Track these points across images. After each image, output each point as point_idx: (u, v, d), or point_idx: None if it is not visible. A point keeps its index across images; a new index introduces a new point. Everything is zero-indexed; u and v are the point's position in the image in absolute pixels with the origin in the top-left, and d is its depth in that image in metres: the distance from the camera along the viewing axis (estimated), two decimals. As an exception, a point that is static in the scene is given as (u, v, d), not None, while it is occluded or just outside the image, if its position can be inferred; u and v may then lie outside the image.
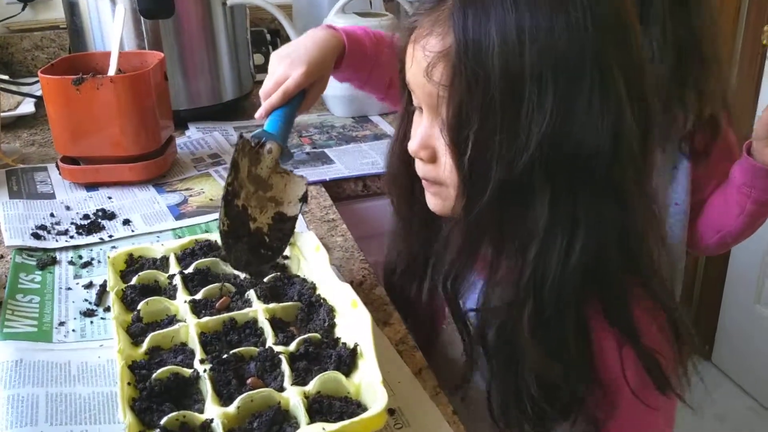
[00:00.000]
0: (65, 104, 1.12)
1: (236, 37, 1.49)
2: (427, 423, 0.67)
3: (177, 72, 1.40)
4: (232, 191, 0.83)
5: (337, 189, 1.21)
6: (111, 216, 1.08)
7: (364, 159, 1.29)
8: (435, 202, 0.75)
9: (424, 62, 0.66)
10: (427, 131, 0.70)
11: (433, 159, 0.71)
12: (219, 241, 0.83)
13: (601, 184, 0.64)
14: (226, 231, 0.81)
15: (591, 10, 0.62)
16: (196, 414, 0.61)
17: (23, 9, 1.79)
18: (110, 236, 1.02)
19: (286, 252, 0.86)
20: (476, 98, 0.62)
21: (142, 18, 1.34)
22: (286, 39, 1.49)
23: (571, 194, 0.64)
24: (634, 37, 0.66)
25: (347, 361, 0.66)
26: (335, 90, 1.45)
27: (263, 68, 1.75)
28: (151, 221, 1.07)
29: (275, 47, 1.80)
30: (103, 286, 0.88)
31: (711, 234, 1.13)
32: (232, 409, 0.61)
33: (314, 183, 1.18)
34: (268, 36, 1.81)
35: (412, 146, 0.72)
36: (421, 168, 0.74)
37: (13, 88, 1.58)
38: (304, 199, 0.88)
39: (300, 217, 1.06)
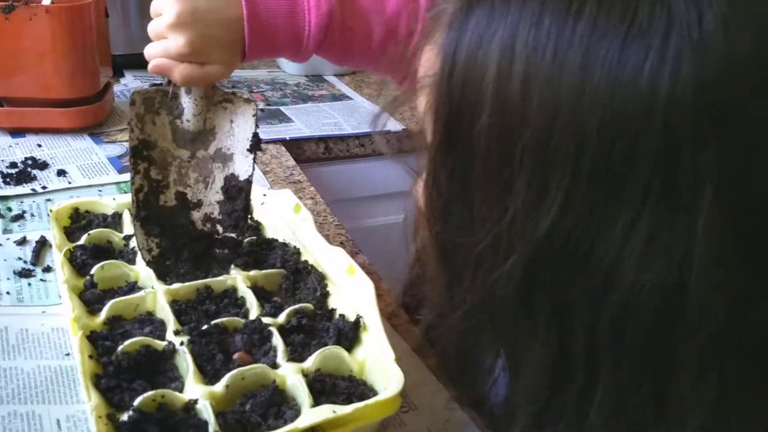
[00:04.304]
0: (-10, 35, 0.98)
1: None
2: (435, 405, 0.59)
3: (116, 11, 1.25)
4: (152, 188, 0.65)
5: (297, 150, 1.11)
6: (43, 165, 0.95)
7: (325, 120, 1.19)
8: None
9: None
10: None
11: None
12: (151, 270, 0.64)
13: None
14: (157, 256, 0.65)
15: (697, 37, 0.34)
16: (177, 394, 0.51)
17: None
18: (44, 187, 0.89)
19: (259, 216, 0.77)
20: (457, 146, 0.42)
21: (78, -53, 1.19)
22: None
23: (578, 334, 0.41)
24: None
25: (349, 335, 0.58)
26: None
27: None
28: (90, 173, 0.95)
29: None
30: (41, 242, 0.76)
31: None
32: (219, 388, 0.52)
33: (273, 141, 1.08)
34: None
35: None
36: None
37: None
38: (254, 148, 0.67)
39: (263, 176, 0.97)
